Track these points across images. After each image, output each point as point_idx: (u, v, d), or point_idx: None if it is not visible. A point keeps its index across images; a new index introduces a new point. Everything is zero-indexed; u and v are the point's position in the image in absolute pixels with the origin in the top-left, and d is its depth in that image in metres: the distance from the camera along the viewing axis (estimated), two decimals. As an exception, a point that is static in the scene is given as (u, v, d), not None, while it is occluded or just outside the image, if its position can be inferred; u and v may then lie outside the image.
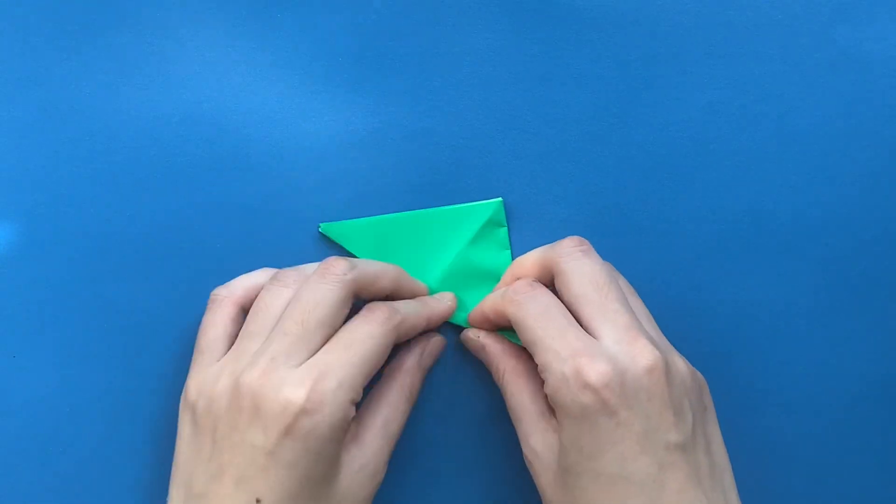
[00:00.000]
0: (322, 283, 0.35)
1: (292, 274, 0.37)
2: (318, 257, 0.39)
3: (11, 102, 0.40)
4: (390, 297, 0.38)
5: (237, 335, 0.36)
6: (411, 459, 0.40)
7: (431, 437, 0.40)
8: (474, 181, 0.41)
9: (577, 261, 0.35)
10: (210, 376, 0.35)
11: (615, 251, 0.40)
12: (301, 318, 0.34)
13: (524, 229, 0.41)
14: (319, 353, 0.34)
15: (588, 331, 0.34)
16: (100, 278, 0.40)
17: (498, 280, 0.40)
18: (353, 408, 0.34)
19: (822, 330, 0.40)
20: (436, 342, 0.39)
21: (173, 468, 0.36)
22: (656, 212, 0.41)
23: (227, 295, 0.38)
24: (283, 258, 0.40)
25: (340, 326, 0.35)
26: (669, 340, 0.37)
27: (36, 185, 0.40)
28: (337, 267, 0.35)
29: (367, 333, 0.35)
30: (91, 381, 0.40)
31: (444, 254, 0.40)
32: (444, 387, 0.40)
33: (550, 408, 0.35)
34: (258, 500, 0.32)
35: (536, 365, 0.35)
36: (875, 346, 0.40)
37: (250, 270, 0.39)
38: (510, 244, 0.40)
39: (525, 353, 0.38)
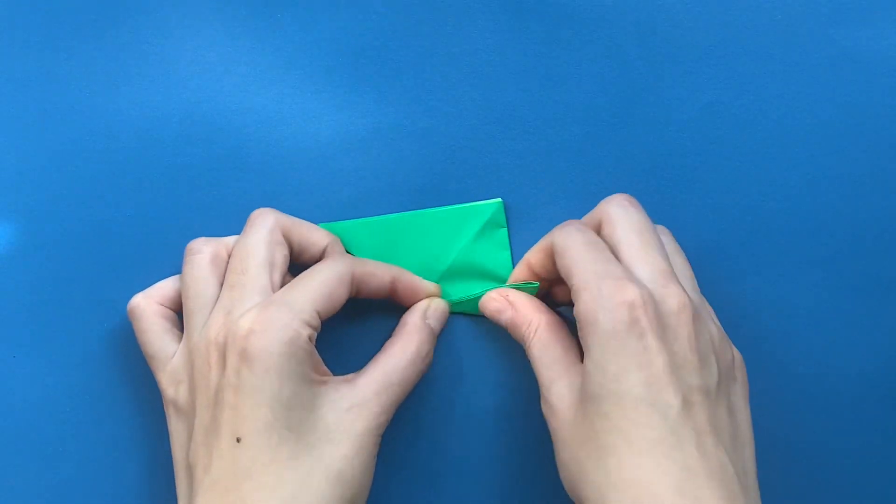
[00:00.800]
0: (250, 232, 0.37)
1: (201, 240, 0.38)
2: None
3: (11, 102, 0.40)
4: (393, 295, 0.39)
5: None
6: (411, 459, 0.40)
7: (432, 437, 0.40)
8: (474, 181, 0.41)
9: (624, 209, 0.36)
10: (184, 340, 0.37)
11: (615, 251, 0.40)
12: (241, 268, 0.36)
13: (524, 229, 0.41)
14: (275, 293, 0.35)
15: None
16: (100, 278, 0.40)
17: (497, 280, 0.40)
18: (309, 329, 0.34)
19: (822, 330, 0.40)
20: (439, 303, 0.39)
21: (174, 463, 0.36)
22: (656, 212, 0.41)
23: (200, 250, 0.38)
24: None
25: (285, 268, 0.37)
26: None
27: (36, 185, 0.40)
28: (261, 214, 0.37)
29: (319, 268, 0.36)
30: (91, 381, 0.40)
31: (444, 254, 0.40)
32: (444, 385, 0.40)
33: (581, 357, 0.35)
34: (238, 439, 0.33)
35: (567, 321, 0.36)
36: (875, 346, 0.40)
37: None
38: (510, 245, 0.40)
39: (556, 312, 0.38)
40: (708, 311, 0.36)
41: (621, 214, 0.36)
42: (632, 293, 0.33)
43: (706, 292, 0.37)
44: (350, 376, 0.36)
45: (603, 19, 0.41)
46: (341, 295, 0.36)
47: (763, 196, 0.40)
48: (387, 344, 0.38)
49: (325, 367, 0.35)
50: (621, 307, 0.32)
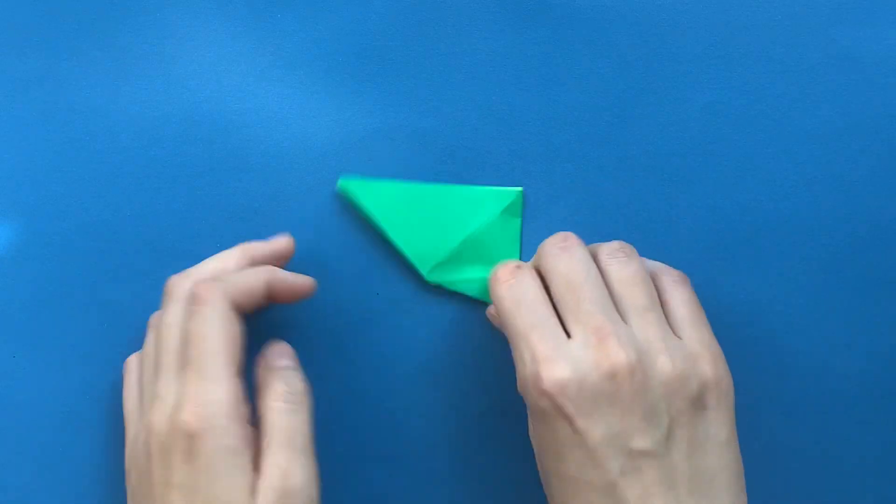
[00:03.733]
0: (196, 311, 0.34)
1: (181, 282, 0.36)
2: (317, 257, 0.39)
3: (11, 102, 0.40)
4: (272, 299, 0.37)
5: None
6: (411, 458, 0.40)
7: (433, 436, 0.40)
8: (474, 181, 0.41)
9: (554, 258, 0.35)
10: (132, 436, 0.36)
11: (615, 251, 0.40)
12: (172, 347, 0.34)
13: (524, 229, 0.41)
14: (183, 370, 0.33)
15: (566, 330, 0.34)
16: (100, 278, 0.40)
17: None
18: (241, 404, 0.32)
19: (822, 330, 0.40)
20: (281, 346, 0.36)
21: None
22: (656, 211, 0.41)
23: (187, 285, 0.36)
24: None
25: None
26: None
27: (36, 185, 0.40)
28: (202, 290, 0.34)
29: (200, 331, 0.33)
30: (91, 381, 0.40)
31: (457, 232, 0.40)
32: (445, 383, 0.40)
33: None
34: None
35: None
36: (875, 346, 0.40)
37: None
38: (521, 237, 0.40)
39: None
40: (663, 348, 0.33)
41: (552, 267, 0.35)
42: (550, 381, 0.32)
43: (706, 292, 0.37)
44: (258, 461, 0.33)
45: (603, 19, 0.41)
46: (240, 332, 0.34)
47: (763, 196, 0.40)
48: (261, 407, 0.34)
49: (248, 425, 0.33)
50: (543, 397, 0.32)
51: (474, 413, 0.40)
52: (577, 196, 0.41)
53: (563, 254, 0.35)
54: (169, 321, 0.35)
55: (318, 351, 0.40)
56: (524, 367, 0.33)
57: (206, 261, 0.37)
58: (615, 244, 0.36)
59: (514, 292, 0.34)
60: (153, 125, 0.40)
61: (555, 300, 0.34)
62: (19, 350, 0.40)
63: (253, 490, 0.32)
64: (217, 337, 0.33)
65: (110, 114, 0.40)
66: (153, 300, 0.40)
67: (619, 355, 0.32)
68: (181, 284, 0.36)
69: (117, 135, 0.40)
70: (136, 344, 0.39)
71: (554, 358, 0.32)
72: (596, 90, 0.41)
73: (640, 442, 0.32)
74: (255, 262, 0.37)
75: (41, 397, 0.40)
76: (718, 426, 0.33)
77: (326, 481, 0.39)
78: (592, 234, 0.39)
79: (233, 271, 0.36)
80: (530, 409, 0.33)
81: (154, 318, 0.37)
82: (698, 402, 0.33)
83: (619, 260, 0.35)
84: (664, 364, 0.33)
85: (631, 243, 0.38)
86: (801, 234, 0.40)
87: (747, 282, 0.40)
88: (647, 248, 0.40)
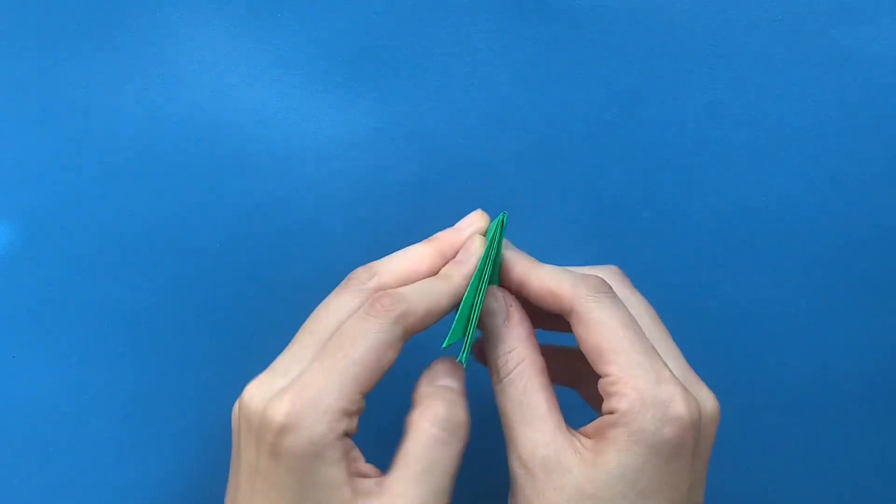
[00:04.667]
0: (364, 317, 0.31)
1: (367, 277, 0.33)
2: (317, 257, 0.39)
3: (11, 102, 0.40)
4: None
5: None
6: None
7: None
8: (474, 181, 0.41)
9: (630, 290, 0.33)
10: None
11: (615, 251, 0.40)
12: (319, 334, 0.31)
13: (524, 229, 0.41)
14: (313, 360, 0.31)
15: None
16: (100, 278, 0.40)
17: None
18: (346, 419, 0.29)
19: (822, 330, 0.40)
20: (449, 364, 0.33)
21: None
22: (656, 212, 0.41)
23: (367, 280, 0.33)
24: (283, 258, 0.40)
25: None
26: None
27: (36, 185, 0.40)
28: (385, 303, 0.31)
29: (360, 331, 0.30)
30: (91, 381, 0.40)
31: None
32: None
33: (564, 422, 0.32)
34: None
35: (553, 368, 0.33)
36: (875, 346, 0.40)
37: (250, 270, 0.39)
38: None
39: (544, 354, 0.34)
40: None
41: (629, 296, 0.33)
42: (688, 408, 0.29)
43: (706, 292, 0.37)
44: (383, 476, 0.30)
45: (603, 19, 0.41)
46: (390, 359, 0.31)
47: (763, 196, 0.40)
48: (409, 421, 0.32)
49: (364, 464, 0.30)
50: (673, 424, 0.29)
51: (475, 412, 0.40)
52: (577, 196, 0.41)
53: (633, 290, 0.34)
54: (332, 308, 0.32)
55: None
56: (650, 390, 0.29)
57: (397, 255, 0.34)
58: (594, 279, 0.32)
59: (622, 312, 0.31)
60: (153, 125, 0.40)
61: (611, 347, 0.31)
62: (19, 350, 0.40)
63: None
64: (368, 352, 0.30)
65: (110, 114, 0.40)
66: (153, 300, 0.40)
67: (715, 399, 0.31)
68: (363, 279, 0.33)
69: (117, 135, 0.40)
70: (137, 344, 0.39)
71: (683, 388, 0.30)
72: (596, 90, 0.41)
73: (699, 495, 0.31)
74: (448, 258, 0.34)
75: (41, 397, 0.40)
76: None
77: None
78: (593, 234, 0.39)
79: (423, 276, 0.33)
80: (639, 437, 0.29)
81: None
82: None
83: (633, 291, 0.34)
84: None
85: (631, 243, 0.38)
86: (801, 234, 0.40)
87: (747, 282, 0.40)
88: (647, 247, 0.40)
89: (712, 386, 0.36)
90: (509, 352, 0.33)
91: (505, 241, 0.35)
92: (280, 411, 0.29)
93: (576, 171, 0.41)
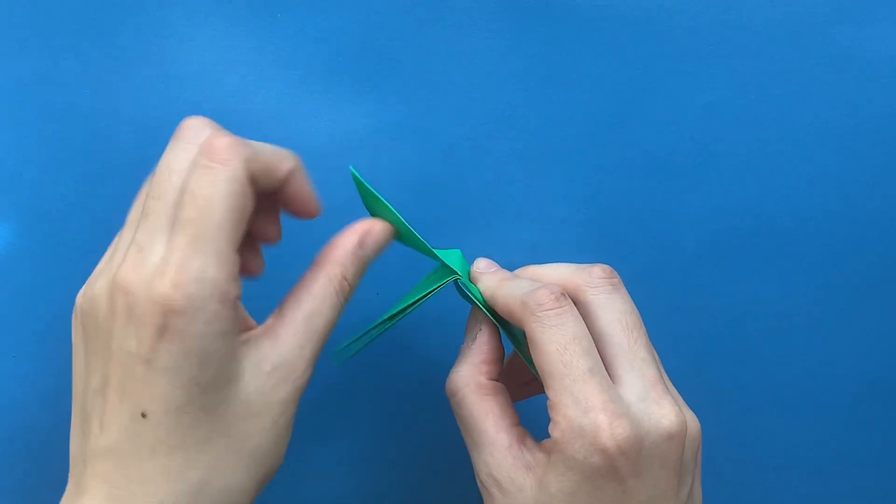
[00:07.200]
0: (207, 167, 0.29)
1: (201, 128, 0.31)
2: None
3: (11, 102, 0.40)
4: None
5: None
6: (410, 457, 0.40)
7: (433, 435, 0.40)
8: (474, 181, 0.41)
9: (607, 294, 0.32)
10: (93, 275, 0.31)
11: (615, 251, 0.40)
12: (167, 197, 0.29)
13: (524, 229, 0.41)
14: (173, 233, 0.28)
15: (609, 372, 0.31)
16: (100, 278, 0.40)
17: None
18: (230, 285, 0.28)
19: (822, 330, 0.40)
20: (380, 229, 0.33)
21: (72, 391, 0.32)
22: (656, 212, 0.41)
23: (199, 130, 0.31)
24: (283, 258, 0.40)
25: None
26: (669, 341, 0.37)
27: (36, 185, 0.40)
28: (221, 145, 0.29)
29: (210, 189, 0.28)
30: (91, 381, 0.40)
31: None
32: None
33: (520, 436, 0.32)
34: (143, 415, 0.28)
35: (503, 383, 0.33)
36: (875, 346, 0.40)
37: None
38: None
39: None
40: (682, 403, 0.33)
41: (604, 302, 0.32)
42: (613, 439, 0.29)
43: (706, 292, 0.37)
44: (269, 321, 0.31)
45: (603, 19, 0.41)
46: (250, 207, 0.29)
47: (763, 196, 0.40)
48: (308, 276, 0.32)
49: (248, 319, 0.31)
50: (599, 454, 0.29)
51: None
52: (577, 196, 0.41)
53: (617, 292, 0.32)
54: (172, 166, 0.30)
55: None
56: (577, 419, 0.30)
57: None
58: (598, 270, 0.33)
59: (563, 332, 0.31)
60: (153, 125, 0.40)
61: (599, 340, 0.32)
62: (19, 350, 0.40)
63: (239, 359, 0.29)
64: (223, 205, 0.28)
65: (110, 114, 0.40)
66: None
67: (678, 415, 0.30)
68: (198, 128, 0.30)
69: (117, 135, 0.40)
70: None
71: (615, 412, 0.29)
72: (596, 90, 0.41)
73: (673, 502, 0.31)
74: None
75: (41, 397, 0.40)
76: (699, 478, 0.33)
77: (324, 480, 0.39)
78: (593, 234, 0.39)
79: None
80: (570, 465, 0.30)
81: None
82: (697, 458, 0.33)
83: (610, 295, 0.33)
84: (692, 424, 0.32)
85: (631, 243, 0.38)
86: (801, 234, 0.40)
87: (747, 282, 0.40)
88: (647, 247, 0.40)
89: (712, 386, 0.36)
90: (456, 374, 0.34)
91: (486, 262, 0.35)
92: (167, 294, 0.27)
93: (576, 171, 0.41)
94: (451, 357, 0.40)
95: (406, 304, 0.35)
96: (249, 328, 0.31)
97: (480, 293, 0.35)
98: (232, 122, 0.41)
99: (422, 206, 0.40)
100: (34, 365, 0.40)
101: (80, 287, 0.40)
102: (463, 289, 0.35)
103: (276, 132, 0.41)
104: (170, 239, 0.28)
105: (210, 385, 0.28)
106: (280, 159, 0.31)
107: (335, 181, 0.41)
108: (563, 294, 0.31)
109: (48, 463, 0.40)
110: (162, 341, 0.28)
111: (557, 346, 0.30)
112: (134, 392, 0.29)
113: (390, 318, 0.35)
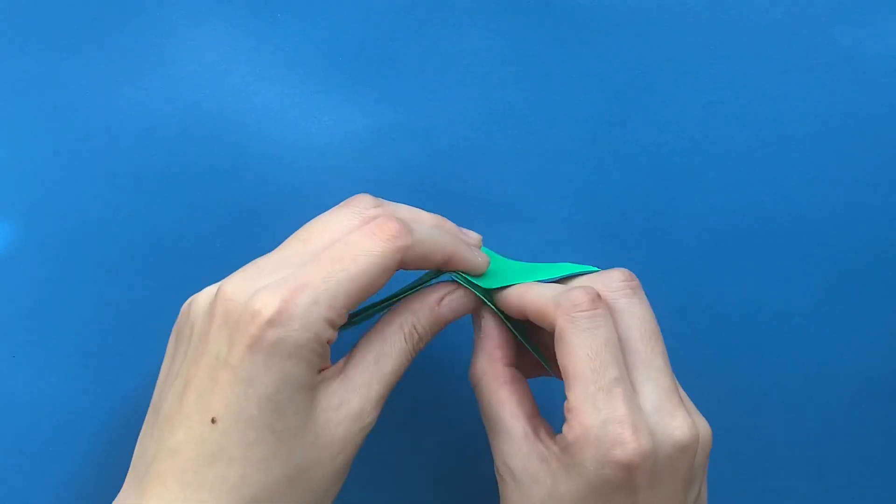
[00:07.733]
0: (371, 236, 0.31)
1: (371, 206, 0.33)
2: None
3: (11, 102, 0.40)
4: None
5: None
6: (418, 454, 0.40)
7: (441, 433, 0.40)
8: (474, 181, 0.41)
9: (627, 299, 0.32)
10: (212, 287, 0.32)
11: (615, 251, 0.40)
12: (312, 245, 0.31)
13: (524, 229, 0.41)
14: (305, 264, 0.30)
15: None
16: (100, 278, 0.40)
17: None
18: (331, 330, 0.30)
19: (822, 330, 0.40)
20: (460, 295, 0.34)
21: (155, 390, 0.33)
22: (656, 212, 0.41)
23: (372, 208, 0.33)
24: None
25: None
26: (669, 341, 0.36)
27: (36, 185, 0.40)
28: (391, 227, 0.31)
29: (364, 249, 0.30)
30: (91, 381, 0.40)
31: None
32: (449, 380, 0.40)
33: (536, 426, 0.32)
34: (213, 420, 0.29)
35: (521, 374, 0.33)
36: (875, 346, 0.40)
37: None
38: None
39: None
40: (694, 410, 0.33)
41: (623, 307, 0.32)
42: (631, 453, 0.29)
43: (706, 292, 0.37)
44: (341, 363, 0.32)
45: (603, 19, 0.41)
46: (379, 286, 0.31)
47: (763, 196, 0.40)
48: (382, 323, 0.33)
49: (328, 361, 0.32)
50: (615, 467, 0.29)
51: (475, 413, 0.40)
52: (576, 196, 0.41)
53: (636, 296, 0.32)
54: (329, 226, 0.32)
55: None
56: (595, 428, 0.30)
57: (403, 205, 0.34)
58: (618, 274, 0.33)
59: (595, 337, 0.31)
60: (153, 125, 0.40)
61: (620, 346, 0.31)
62: (19, 350, 0.40)
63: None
64: (368, 265, 0.30)
65: (110, 114, 0.40)
66: (153, 300, 0.40)
67: (691, 427, 0.31)
68: (367, 204, 0.33)
69: (117, 135, 0.40)
70: (136, 344, 0.39)
71: (636, 425, 0.29)
72: (596, 90, 0.41)
73: None
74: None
75: (41, 397, 0.40)
76: (706, 484, 0.33)
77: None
78: (593, 234, 0.39)
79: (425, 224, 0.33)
80: (583, 471, 0.30)
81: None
82: (705, 466, 0.33)
83: (630, 300, 0.32)
84: (705, 432, 0.32)
85: (631, 243, 0.38)
86: (801, 234, 0.40)
87: (747, 282, 0.40)
88: (647, 247, 0.40)
89: (711, 385, 0.36)
90: (475, 366, 0.34)
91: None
92: (271, 305, 0.29)
93: (576, 171, 0.41)
94: (454, 352, 0.40)
95: (408, 288, 0.35)
96: (326, 366, 0.32)
97: (489, 287, 0.35)
98: (232, 122, 0.41)
99: (422, 206, 0.40)
100: (34, 365, 0.40)
101: (80, 287, 0.40)
102: (461, 281, 0.35)
103: (276, 132, 0.41)
104: (298, 267, 0.30)
105: (282, 407, 0.29)
106: (435, 251, 0.32)
107: (335, 181, 0.41)
108: (598, 296, 0.31)
109: (48, 463, 0.40)
110: (251, 352, 0.29)
111: (589, 351, 0.30)
112: (210, 396, 0.29)
113: (392, 298, 0.36)
